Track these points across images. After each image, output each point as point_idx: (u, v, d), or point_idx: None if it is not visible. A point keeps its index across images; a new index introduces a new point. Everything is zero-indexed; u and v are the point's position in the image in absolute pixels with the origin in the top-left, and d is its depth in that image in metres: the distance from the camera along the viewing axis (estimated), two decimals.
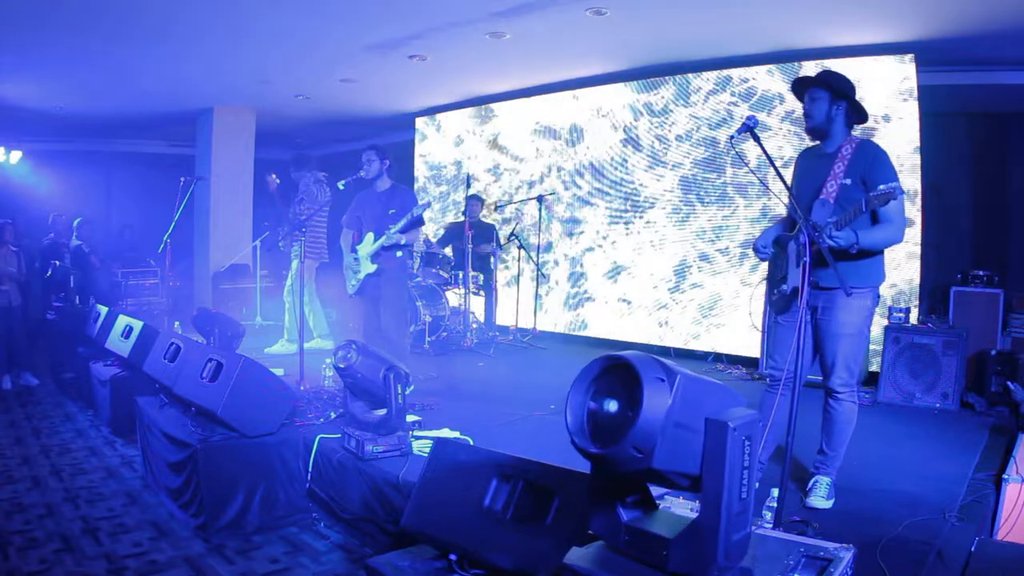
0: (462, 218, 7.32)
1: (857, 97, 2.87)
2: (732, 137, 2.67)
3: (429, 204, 4.63)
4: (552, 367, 6.01)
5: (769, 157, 2.69)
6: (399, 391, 3.25)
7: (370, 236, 4.66)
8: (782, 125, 5.80)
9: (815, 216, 2.70)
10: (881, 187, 2.43)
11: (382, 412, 3.38)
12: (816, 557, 1.68)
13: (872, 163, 2.74)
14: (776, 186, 3.18)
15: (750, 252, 5.71)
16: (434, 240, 7.63)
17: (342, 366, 3.40)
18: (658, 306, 6.66)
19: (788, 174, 3.00)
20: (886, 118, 5.34)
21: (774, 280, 2.98)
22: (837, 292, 2.73)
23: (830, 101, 2.81)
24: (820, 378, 2.96)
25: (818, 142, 2.93)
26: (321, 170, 6.24)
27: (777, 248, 2.96)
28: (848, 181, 2.75)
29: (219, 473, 3.29)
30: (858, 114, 2.86)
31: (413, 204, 4.60)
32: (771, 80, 5.88)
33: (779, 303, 2.92)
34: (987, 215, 5.96)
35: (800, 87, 2.92)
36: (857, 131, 2.92)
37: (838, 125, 2.83)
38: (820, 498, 2.79)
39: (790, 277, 2.82)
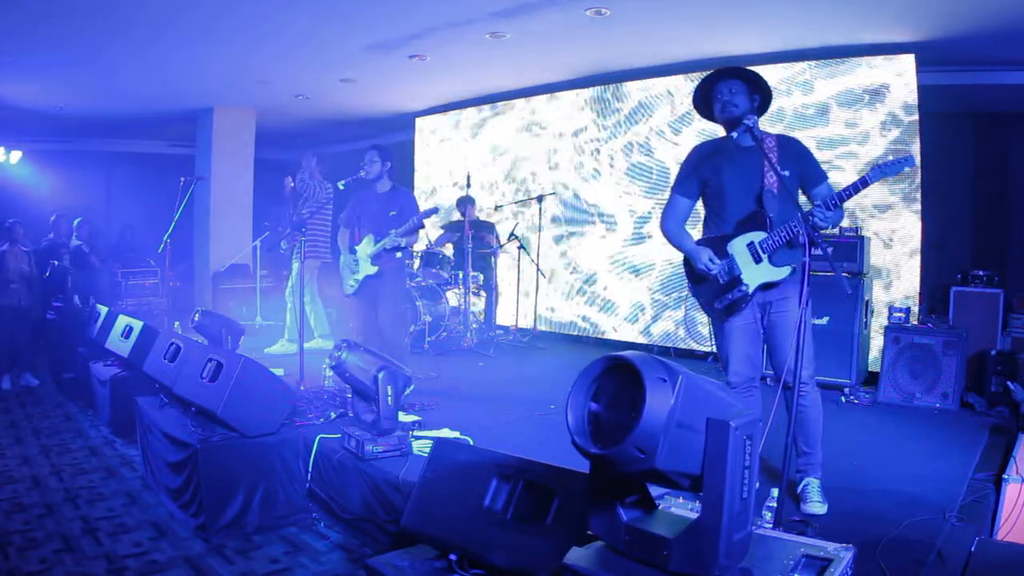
0: (462, 218, 7.33)
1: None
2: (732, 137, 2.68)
3: (436, 210, 4.66)
4: (552, 367, 6.01)
5: (768, 158, 2.69)
6: (389, 392, 3.20)
7: (369, 238, 4.66)
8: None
9: (768, 208, 2.73)
10: (890, 158, 2.57)
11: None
12: (816, 557, 1.68)
13: (806, 158, 2.84)
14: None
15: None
16: (432, 240, 7.64)
17: (332, 364, 3.43)
18: (661, 305, 6.66)
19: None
20: (886, 117, 5.35)
21: (714, 287, 2.87)
22: (787, 285, 2.75)
23: (748, 92, 2.82)
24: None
25: (723, 136, 2.86)
26: (322, 170, 6.24)
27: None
28: (787, 172, 2.75)
29: (219, 473, 3.29)
30: (765, 106, 2.89)
31: (414, 207, 4.61)
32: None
33: (729, 308, 2.84)
34: (987, 215, 5.96)
35: (715, 80, 2.86)
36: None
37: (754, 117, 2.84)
38: (816, 503, 2.75)
39: (747, 276, 2.77)
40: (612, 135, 6.99)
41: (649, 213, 6.70)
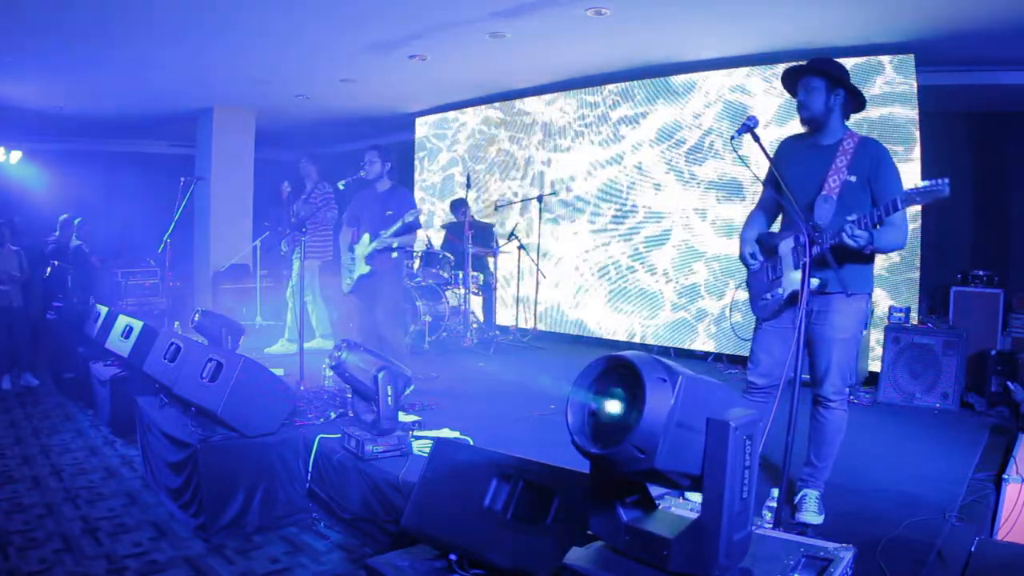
0: (456, 220, 7.34)
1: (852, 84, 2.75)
2: (732, 138, 2.62)
3: (420, 210, 4.67)
4: (552, 367, 6.01)
5: (769, 158, 2.66)
6: (389, 392, 3.20)
7: (366, 237, 4.68)
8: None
9: (818, 214, 2.61)
10: (925, 183, 2.35)
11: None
12: (816, 557, 1.68)
13: (880, 165, 2.63)
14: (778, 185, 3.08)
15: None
16: (435, 242, 7.64)
17: (332, 364, 3.44)
18: (661, 305, 6.66)
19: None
20: (886, 118, 5.35)
21: (760, 284, 2.84)
22: (833, 295, 2.65)
23: (827, 90, 2.69)
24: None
25: (809, 132, 2.79)
26: (321, 170, 6.25)
27: (763, 252, 2.85)
28: (853, 178, 2.63)
29: (219, 473, 3.29)
30: (855, 103, 2.75)
31: (409, 206, 4.61)
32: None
33: (768, 308, 2.79)
34: (987, 215, 5.96)
35: (793, 76, 2.77)
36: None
37: (836, 116, 2.72)
38: (812, 513, 2.68)
39: (786, 280, 2.71)
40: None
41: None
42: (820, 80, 2.69)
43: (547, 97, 7.54)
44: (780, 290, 2.73)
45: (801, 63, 2.77)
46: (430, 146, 8.96)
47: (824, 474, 2.78)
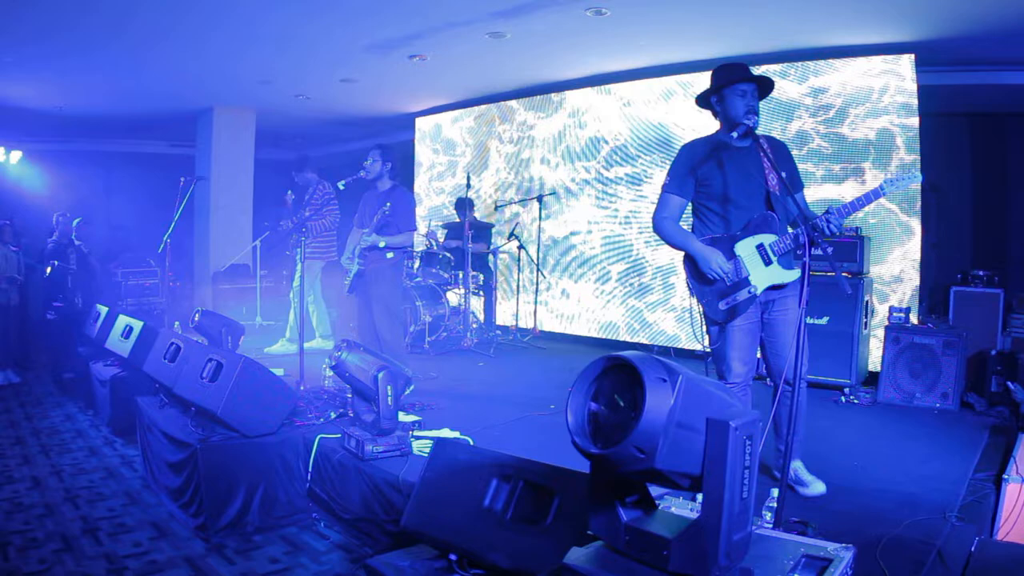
0: (460, 220, 7.34)
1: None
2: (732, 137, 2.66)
3: (400, 204, 4.59)
4: (552, 367, 6.01)
5: (769, 159, 2.68)
6: (389, 392, 3.20)
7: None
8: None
9: (776, 209, 2.76)
10: (907, 173, 2.61)
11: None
12: (816, 557, 1.68)
13: (791, 160, 2.91)
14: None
15: None
16: (441, 240, 7.65)
17: (332, 364, 3.45)
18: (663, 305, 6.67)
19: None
20: (886, 118, 5.35)
21: (719, 288, 2.83)
22: (791, 284, 2.77)
23: (759, 96, 2.83)
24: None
25: (728, 136, 2.82)
26: (322, 170, 6.26)
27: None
28: (784, 174, 2.74)
29: (219, 473, 3.29)
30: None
31: (399, 205, 4.58)
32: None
33: (735, 308, 2.81)
34: (987, 215, 5.96)
35: (743, 78, 2.79)
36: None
37: None
38: (814, 483, 2.80)
39: (755, 278, 2.76)
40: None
41: None
42: (756, 87, 2.80)
43: (553, 163, 7.51)
44: (753, 289, 2.76)
45: (743, 68, 2.82)
46: (447, 213, 8.50)
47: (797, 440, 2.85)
